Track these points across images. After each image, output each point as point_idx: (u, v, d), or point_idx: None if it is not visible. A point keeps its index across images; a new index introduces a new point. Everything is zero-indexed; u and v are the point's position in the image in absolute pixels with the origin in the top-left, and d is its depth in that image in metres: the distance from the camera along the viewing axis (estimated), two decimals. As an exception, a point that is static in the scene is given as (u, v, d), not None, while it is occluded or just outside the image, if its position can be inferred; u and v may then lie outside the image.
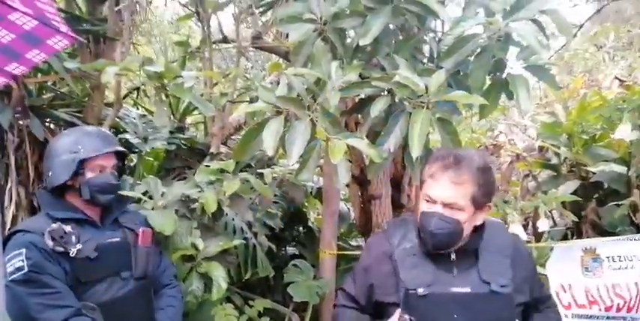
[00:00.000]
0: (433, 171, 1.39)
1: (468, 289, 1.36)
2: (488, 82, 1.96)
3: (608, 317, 2.64)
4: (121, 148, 1.76)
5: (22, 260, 1.48)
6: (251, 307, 2.56)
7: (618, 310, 2.61)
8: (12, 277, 1.46)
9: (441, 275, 1.39)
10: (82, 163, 1.63)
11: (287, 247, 3.38)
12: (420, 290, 1.37)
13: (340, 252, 2.96)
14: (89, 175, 1.64)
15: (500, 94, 1.95)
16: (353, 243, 3.64)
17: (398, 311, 1.39)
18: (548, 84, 1.98)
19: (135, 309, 1.68)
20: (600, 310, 2.63)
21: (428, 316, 1.36)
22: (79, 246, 1.56)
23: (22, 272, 1.47)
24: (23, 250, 1.49)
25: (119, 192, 1.76)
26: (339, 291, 1.65)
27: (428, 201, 1.39)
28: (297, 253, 3.29)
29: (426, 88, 1.74)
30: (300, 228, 3.48)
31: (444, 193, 1.36)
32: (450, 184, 1.35)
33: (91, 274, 1.59)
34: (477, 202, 1.37)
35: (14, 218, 2.50)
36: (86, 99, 2.92)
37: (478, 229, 1.44)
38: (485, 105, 1.85)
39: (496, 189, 1.37)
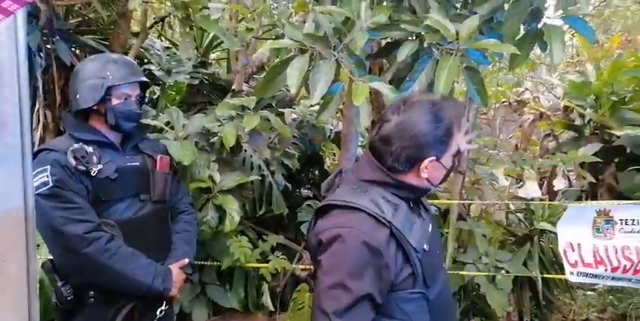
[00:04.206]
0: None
1: (430, 225, 1.27)
2: (522, 31, 1.89)
3: (613, 277, 2.68)
4: (145, 79, 1.78)
5: (47, 176, 1.54)
6: (264, 241, 2.65)
7: (625, 271, 2.64)
8: (38, 191, 1.53)
9: (420, 223, 1.21)
10: (109, 90, 1.66)
11: (302, 189, 3.44)
12: (425, 246, 1.17)
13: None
14: (115, 101, 1.68)
15: (533, 44, 1.88)
16: (366, 188, 3.67)
17: None
18: (586, 37, 1.89)
19: (152, 230, 1.76)
20: (606, 270, 2.66)
21: (430, 268, 1.19)
22: (100, 166, 1.62)
23: (48, 187, 1.54)
24: (48, 167, 1.55)
25: (141, 120, 1.79)
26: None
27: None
28: (311, 195, 3.36)
29: (457, 34, 1.69)
30: (316, 171, 3.53)
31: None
32: None
33: (111, 194, 1.66)
34: None
35: (41, 140, 2.59)
36: (112, 26, 2.91)
37: None
38: (516, 55, 1.79)
39: None
